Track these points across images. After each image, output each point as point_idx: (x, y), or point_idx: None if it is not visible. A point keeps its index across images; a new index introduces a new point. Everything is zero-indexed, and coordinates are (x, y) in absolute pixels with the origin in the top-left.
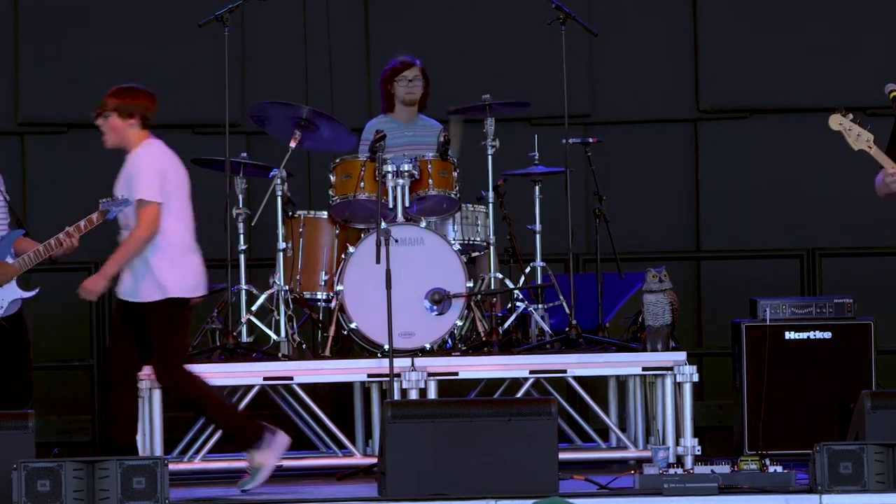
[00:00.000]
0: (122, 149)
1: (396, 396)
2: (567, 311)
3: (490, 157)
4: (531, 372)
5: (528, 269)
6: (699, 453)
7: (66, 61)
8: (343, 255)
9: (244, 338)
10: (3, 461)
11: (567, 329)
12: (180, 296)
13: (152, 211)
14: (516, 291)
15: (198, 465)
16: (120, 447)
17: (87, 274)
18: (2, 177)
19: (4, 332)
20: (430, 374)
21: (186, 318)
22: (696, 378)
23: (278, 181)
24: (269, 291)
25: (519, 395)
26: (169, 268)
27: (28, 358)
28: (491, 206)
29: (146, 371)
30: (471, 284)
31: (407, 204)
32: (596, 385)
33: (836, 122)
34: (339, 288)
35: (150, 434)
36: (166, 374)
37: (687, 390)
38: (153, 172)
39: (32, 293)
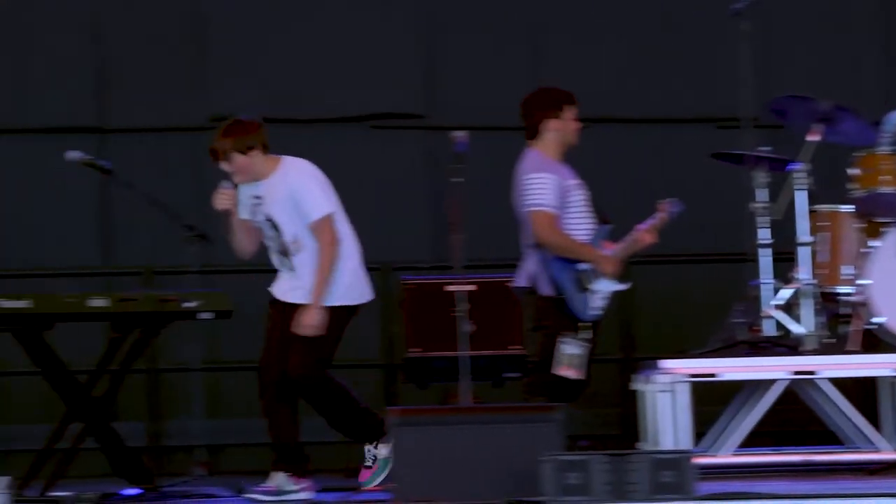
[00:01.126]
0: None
1: None
2: None
3: None
4: None
5: None
6: None
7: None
8: (867, 249)
9: (768, 332)
10: (532, 453)
11: None
12: None
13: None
14: None
15: (724, 458)
16: None
17: None
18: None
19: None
20: None
21: None
22: None
23: (800, 175)
24: (792, 285)
25: None
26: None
27: None
28: None
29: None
30: None
31: None
32: None
33: None
34: (864, 282)
35: (678, 427)
36: None
37: None
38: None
39: (626, 286)
